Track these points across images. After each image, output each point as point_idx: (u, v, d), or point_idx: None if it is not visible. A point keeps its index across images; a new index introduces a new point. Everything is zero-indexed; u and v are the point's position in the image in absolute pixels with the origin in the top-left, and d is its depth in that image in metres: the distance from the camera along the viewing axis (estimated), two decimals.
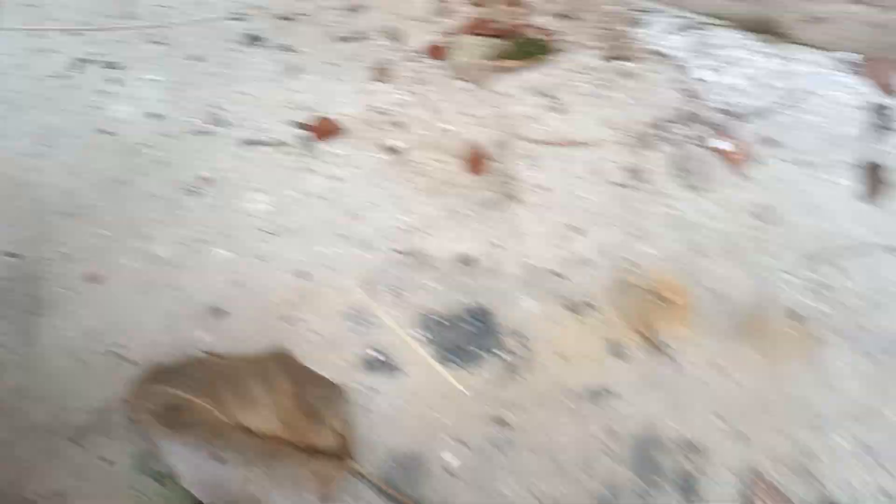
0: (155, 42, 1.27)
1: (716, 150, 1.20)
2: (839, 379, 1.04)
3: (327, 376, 1.01)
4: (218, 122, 1.22)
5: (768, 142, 1.21)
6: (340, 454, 0.93)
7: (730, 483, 0.97)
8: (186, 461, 0.88)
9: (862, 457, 0.99)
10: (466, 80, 1.25)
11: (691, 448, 0.99)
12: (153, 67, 1.26)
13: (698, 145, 1.20)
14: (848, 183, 1.19)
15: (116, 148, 1.20)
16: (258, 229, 1.14)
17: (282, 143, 1.20)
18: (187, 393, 0.93)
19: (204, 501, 0.88)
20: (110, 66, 1.26)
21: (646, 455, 0.98)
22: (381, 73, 1.24)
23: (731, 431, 1.00)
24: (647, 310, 1.08)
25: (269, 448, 0.91)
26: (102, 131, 1.21)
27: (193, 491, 0.88)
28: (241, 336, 1.05)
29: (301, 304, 1.08)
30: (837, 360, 1.05)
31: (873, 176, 1.19)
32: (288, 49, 1.29)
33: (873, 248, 1.13)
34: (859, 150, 1.20)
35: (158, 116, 1.22)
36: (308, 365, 1.01)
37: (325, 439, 0.93)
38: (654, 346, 1.06)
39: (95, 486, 0.95)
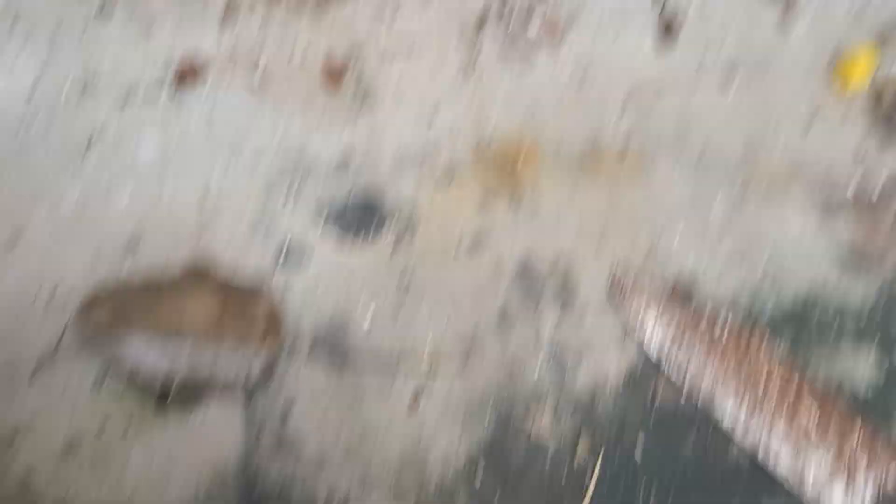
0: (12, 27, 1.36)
1: (531, 34, 1.41)
2: (665, 191, 1.28)
3: (244, 280, 1.16)
4: (90, 88, 1.33)
5: (573, 19, 1.42)
6: (272, 330, 1.08)
7: (594, 281, 1.19)
8: (138, 353, 1.01)
9: (697, 239, 1.23)
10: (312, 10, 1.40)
11: (560, 264, 1.20)
12: (18, 52, 1.35)
13: (517, 32, 1.41)
14: (644, 39, 1.42)
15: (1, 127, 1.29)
16: (152, 169, 1.26)
17: (153, 95, 1.32)
18: (126, 308, 1.06)
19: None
20: None
21: (526, 276, 1.19)
22: (232, 14, 1.38)
23: (589, 245, 1.22)
24: (503, 168, 1.28)
25: (211, 337, 1.05)
26: None
27: (150, 374, 1.01)
28: (161, 258, 1.18)
29: (208, 223, 1.22)
30: (662, 176, 1.29)
31: (664, 30, 1.43)
32: (140, 10, 1.39)
33: (675, 86, 1.37)
34: (649, 12, 1.44)
35: (34, 92, 1.32)
36: (226, 267, 1.16)
37: (257, 327, 1.08)
38: (515, 194, 1.26)
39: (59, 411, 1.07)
